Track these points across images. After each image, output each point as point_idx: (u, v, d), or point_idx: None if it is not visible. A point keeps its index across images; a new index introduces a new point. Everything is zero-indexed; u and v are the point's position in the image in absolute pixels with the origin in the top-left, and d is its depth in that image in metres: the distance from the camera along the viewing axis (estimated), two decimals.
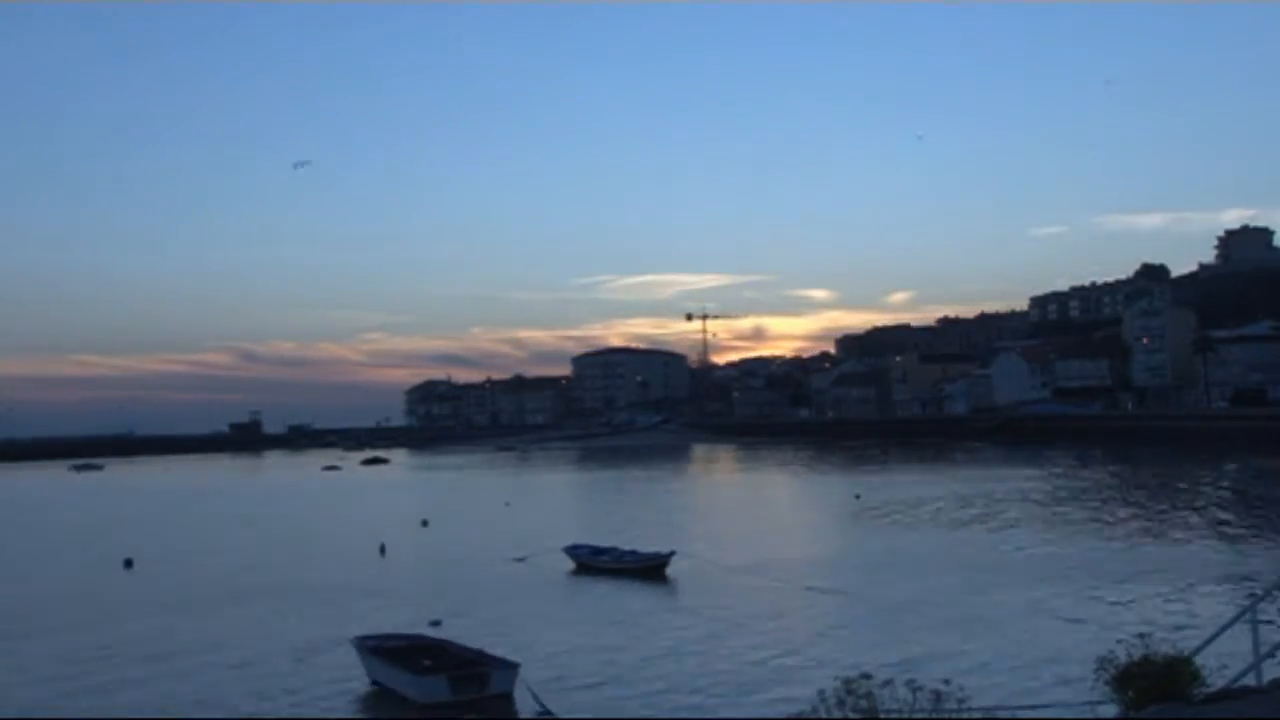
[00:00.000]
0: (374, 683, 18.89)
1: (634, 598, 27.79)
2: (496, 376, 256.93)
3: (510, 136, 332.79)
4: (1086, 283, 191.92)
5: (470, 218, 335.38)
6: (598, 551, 33.68)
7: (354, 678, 19.43)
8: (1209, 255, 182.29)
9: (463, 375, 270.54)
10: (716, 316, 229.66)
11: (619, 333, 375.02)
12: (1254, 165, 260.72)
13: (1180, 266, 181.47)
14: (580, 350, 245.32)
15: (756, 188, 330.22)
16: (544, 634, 23.02)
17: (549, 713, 16.74)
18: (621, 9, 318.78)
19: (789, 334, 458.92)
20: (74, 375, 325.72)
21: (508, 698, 17.42)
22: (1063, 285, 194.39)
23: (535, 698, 17.08)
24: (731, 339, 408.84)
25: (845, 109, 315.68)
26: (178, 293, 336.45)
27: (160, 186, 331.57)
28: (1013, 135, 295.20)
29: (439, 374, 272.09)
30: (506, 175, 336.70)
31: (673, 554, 31.55)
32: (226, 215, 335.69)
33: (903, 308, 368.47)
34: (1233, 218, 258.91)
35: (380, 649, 19.39)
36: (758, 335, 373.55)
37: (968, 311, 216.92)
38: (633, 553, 32.83)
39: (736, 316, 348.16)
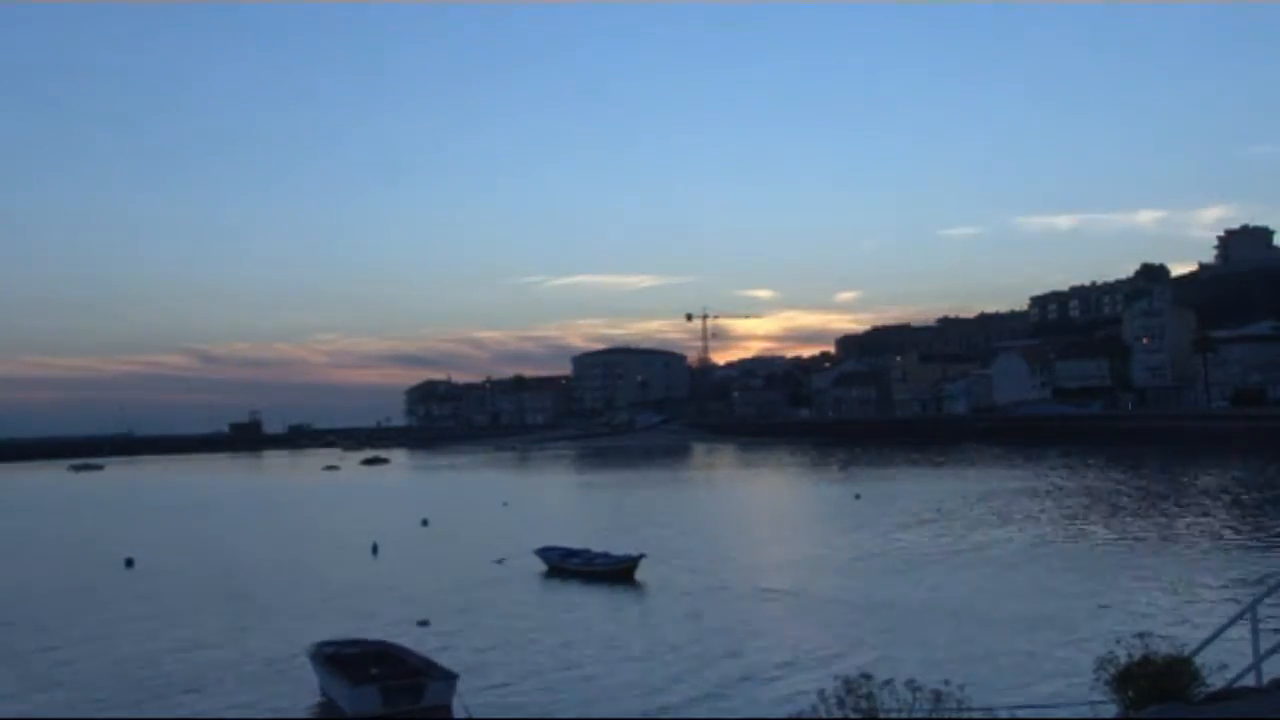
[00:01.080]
0: (322, 692, 18.52)
1: (599, 601, 27.67)
2: (463, 377, 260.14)
3: (425, 137, 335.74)
4: (1086, 282, 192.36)
5: (396, 217, 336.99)
6: (569, 554, 33.68)
7: (310, 685, 19.07)
8: (1209, 255, 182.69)
9: (425, 375, 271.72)
10: (717, 317, 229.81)
11: (577, 333, 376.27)
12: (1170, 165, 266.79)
13: (1180, 266, 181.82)
14: (540, 351, 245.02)
15: (680, 189, 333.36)
16: (501, 638, 22.86)
17: None
18: (565, 8, 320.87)
19: (751, 334, 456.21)
20: (26, 377, 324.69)
21: (444, 710, 16.95)
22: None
23: (467, 712, 16.55)
24: (689, 338, 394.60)
25: (773, 110, 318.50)
26: (131, 293, 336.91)
27: (118, 189, 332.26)
28: (921, 140, 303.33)
29: (397, 375, 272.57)
30: (429, 173, 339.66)
31: (642, 557, 31.47)
32: (175, 219, 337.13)
33: (855, 306, 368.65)
34: (1148, 219, 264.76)
35: (334, 656, 18.94)
36: (718, 335, 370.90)
37: (921, 313, 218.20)
38: (604, 555, 32.82)
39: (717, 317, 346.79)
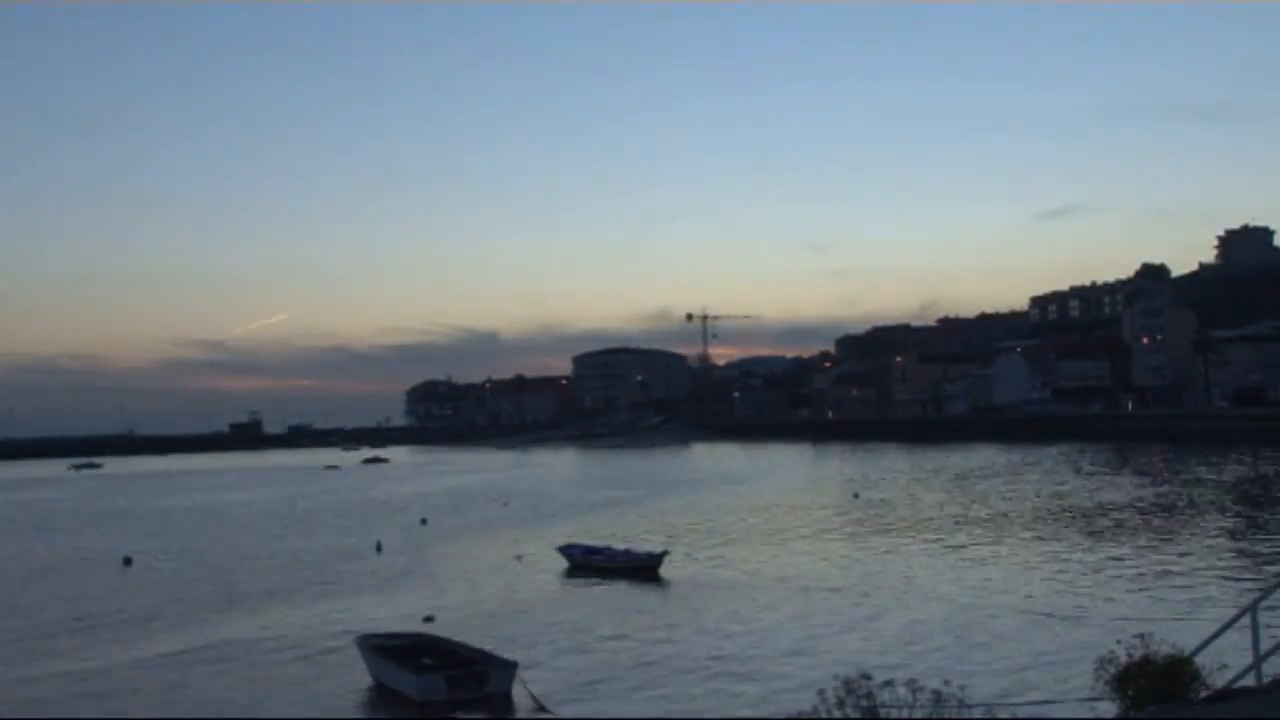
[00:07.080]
0: (376, 681, 19.01)
1: (627, 597, 27.74)
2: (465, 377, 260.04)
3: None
4: (1086, 282, 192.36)
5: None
6: (591, 551, 33.73)
7: (355, 676, 19.50)
8: (1209, 255, 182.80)
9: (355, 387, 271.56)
10: (717, 317, 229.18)
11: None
12: None
13: (1180, 266, 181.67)
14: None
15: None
16: (538, 632, 23.04)
17: (547, 712, 16.78)
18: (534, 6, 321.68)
19: (751, 333, 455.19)
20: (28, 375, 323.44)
21: (506, 697, 17.50)
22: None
23: (533, 697, 17.16)
24: (654, 337, 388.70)
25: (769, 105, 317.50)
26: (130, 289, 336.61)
27: None
28: (924, 135, 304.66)
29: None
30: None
31: (666, 554, 31.56)
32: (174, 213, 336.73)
33: (857, 306, 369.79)
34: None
35: (382, 647, 19.56)
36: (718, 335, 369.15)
37: (921, 313, 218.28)
38: (626, 552, 32.88)
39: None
